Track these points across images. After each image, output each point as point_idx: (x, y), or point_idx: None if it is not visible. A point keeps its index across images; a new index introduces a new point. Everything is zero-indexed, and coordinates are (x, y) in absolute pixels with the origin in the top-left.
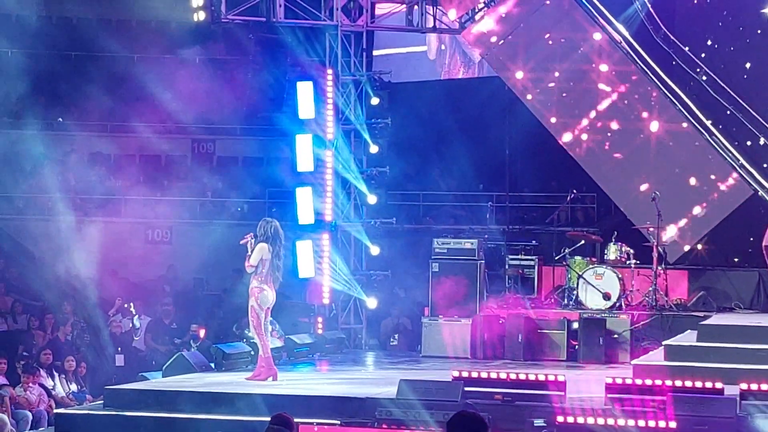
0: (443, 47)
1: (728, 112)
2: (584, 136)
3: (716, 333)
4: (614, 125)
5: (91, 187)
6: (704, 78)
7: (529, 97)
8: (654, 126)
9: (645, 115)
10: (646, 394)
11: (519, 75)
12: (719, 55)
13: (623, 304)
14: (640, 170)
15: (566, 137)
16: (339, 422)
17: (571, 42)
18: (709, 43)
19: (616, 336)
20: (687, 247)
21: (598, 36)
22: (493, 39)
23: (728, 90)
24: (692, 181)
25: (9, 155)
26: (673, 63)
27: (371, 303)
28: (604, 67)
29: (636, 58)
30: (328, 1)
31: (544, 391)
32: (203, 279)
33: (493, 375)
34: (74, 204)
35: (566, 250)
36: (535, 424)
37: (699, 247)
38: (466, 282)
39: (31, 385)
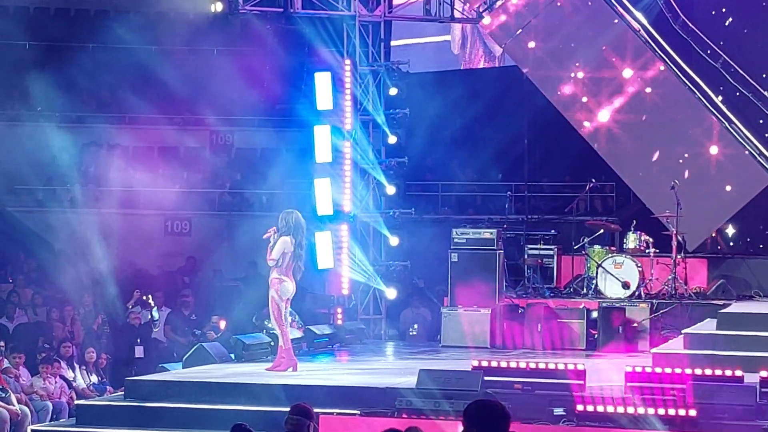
0: (466, 38)
1: (746, 99)
2: (605, 126)
3: (736, 321)
4: (636, 114)
5: (109, 179)
6: (722, 64)
7: (548, 86)
8: (677, 118)
9: (666, 107)
10: (665, 383)
11: (538, 65)
12: (738, 42)
13: (642, 293)
14: (660, 160)
15: (587, 127)
16: (359, 412)
17: (592, 30)
18: (726, 24)
19: (635, 325)
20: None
21: (618, 25)
22: (512, 28)
23: (747, 77)
24: (712, 169)
25: (28, 147)
26: (692, 50)
27: (390, 293)
28: (625, 56)
29: (655, 46)
30: None
31: (563, 380)
32: (222, 270)
33: (513, 364)
34: (93, 196)
35: (585, 240)
36: (555, 413)
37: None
38: (485, 272)
39: (49, 375)
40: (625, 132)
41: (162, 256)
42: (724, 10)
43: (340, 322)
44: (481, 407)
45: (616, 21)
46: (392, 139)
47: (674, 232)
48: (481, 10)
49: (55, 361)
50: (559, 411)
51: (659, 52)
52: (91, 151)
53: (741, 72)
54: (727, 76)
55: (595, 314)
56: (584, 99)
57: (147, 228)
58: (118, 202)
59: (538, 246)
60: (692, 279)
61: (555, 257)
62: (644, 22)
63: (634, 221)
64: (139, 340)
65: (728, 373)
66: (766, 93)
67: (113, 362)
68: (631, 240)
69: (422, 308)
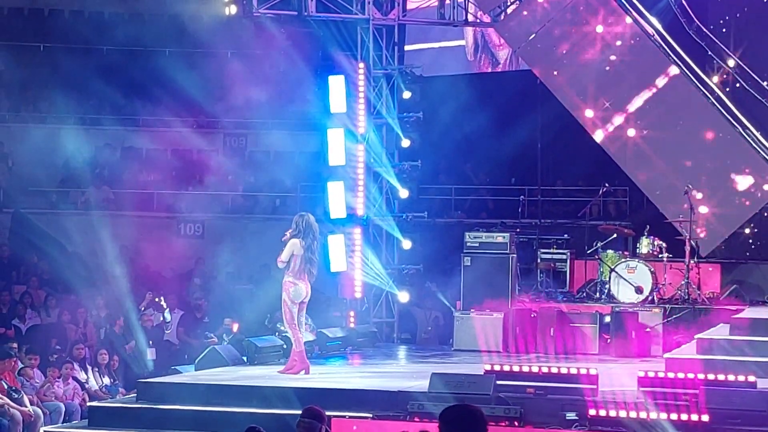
0: (477, 45)
1: (760, 104)
2: (619, 132)
3: (748, 326)
4: (650, 119)
5: (123, 182)
6: (737, 70)
7: (562, 91)
8: (690, 120)
9: (680, 109)
10: (678, 388)
11: (552, 70)
12: (752, 47)
13: (655, 298)
14: (674, 165)
15: (600, 133)
16: (371, 415)
17: (606, 34)
18: (741, 29)
19: (648, 329)
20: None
21: (632, 29)
22: (525, 32)
23: (761, 82)
24: (725, 176)
25: (42, 149)
26: (707, 55)
27: (403, 297)
28: (639, 61)
29: (669, 51)
30: None
31: (576, 384)
32: (235, 273)
33: (525, 368)
34: (107, 198)
35: (598, 244)
36: (567, 418)
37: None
38: (498, 276)
39: (57, 379)
40: (641, 139)
41: (175, 258)
42: (738, 15)
43: (352, 325)
44: (457, 411)
45: (631, 26)
46: (405, 143)
47: (687, 237)
48: (494, 14)
49: (66, 363)
50: (571, 415)
51: (673, 56)
52: (104, 154)
53: (755, 77)
54: (741, 81)
55: (607, 319)
56: (599, 104)
57: (160, 230)
58: (132, 205)
59: (551, 250)
60: (705, 284)
61: (568, 261)
62: (658, 26)
63: (648, 226)
64: (150, 342)
65: (741, 378)
66: None
67: (125, 364)
68: (645, 245)
69: (435, 312)
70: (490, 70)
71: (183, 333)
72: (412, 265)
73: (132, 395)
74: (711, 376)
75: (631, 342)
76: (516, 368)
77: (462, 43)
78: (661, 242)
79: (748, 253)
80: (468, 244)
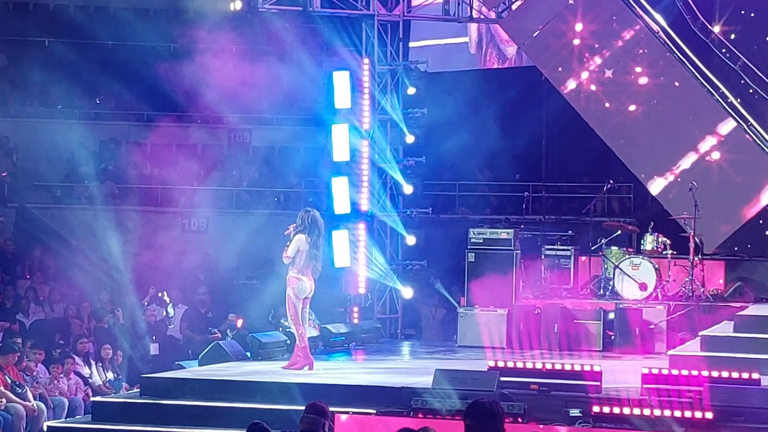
0: (482, 39)
1: (765, 101)
2: (624, 127)
3: (753, 323)
4: (655, 116)
5: (127, 176)
6: (741, 66)
7: (569, 86)
8: (696, 120)
9: (684, 109)
10: (682, 385)
11: (557, 66)
12: (757, 44)
13: (659, 295)
14: (679, 161)
15: (605, 128)
16: (374, 411)
17: (610, 31)
18: (746, 27)
19: (652, 326)
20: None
21: (636, 26)
22: (530, 29)
23: (766, 80)
24: (730, 171)
25: (47, 144)
26: (711, 52)
27: (407, 293)
28: (643, 57)
29: (674, 49)
30: None
31: (580, 381)
32: (239, 268)
33: (529, 365)
34: (111, 193)
35: (602, 241)
36: (571, 414)
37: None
38: (502, 272)
39: (60, 375)
40: (642, 133)
41: (179, 253)
42: (743, 11)
43: (356, 320)
44: (478, 405)
45: (635, 22)
46: (410, 139)
47: (692, 233)
48: (500, 10)
49: (69, 357)
50: (575, 412)
51: (678, 53)
52: (109, 149)
53: (760, 74)
54: (746, 78)
55: (611, 315)
56: (603, 101)
57: (164, 225)
58: (136, 200)
59: (555, 246)
60: (709, 281)
61: (572, 258)
62: (663, 23)
63: (652, 223)
64: (154, 337)
65: (745, 375)
66: None
67: (129, 359)
68: (649, 241)
69: (439, 308)
70: (497, 65)
71: (186, 328)
72: (416, 261)
73: (135, 390)
74: (715, 373)
75: (635, 339)
76: (520, 365)
77: (466, 39)
78: (665, 239)
79: (752, 250)
80: (472, 240)
